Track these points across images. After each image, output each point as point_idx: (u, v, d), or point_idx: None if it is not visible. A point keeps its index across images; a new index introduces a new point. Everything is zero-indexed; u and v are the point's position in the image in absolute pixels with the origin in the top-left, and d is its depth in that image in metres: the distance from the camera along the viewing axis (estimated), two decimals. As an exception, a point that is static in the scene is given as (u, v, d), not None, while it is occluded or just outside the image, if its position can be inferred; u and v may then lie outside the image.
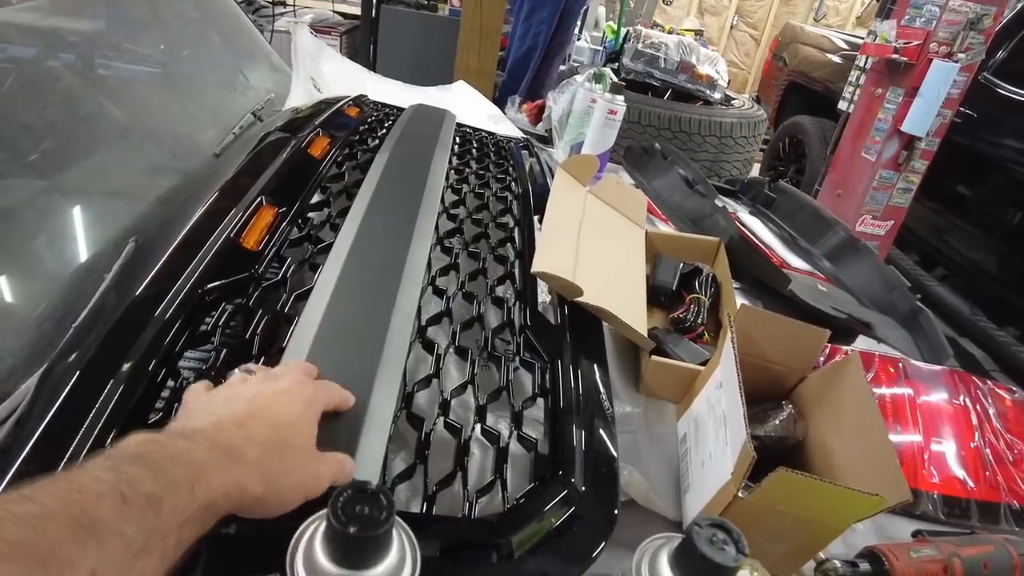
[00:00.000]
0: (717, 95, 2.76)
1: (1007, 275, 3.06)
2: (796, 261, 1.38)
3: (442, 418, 0.61)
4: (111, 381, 0.54)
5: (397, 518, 0.37)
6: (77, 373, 0.54)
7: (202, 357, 0.63)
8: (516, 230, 0.93)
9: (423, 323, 0.70)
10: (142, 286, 0.64)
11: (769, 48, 5.41)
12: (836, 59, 4.06)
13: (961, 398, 0.94)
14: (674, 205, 1.32)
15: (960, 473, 0.86)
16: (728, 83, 3.06)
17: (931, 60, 2.59)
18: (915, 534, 0.80)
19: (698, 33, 5.33)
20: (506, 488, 0.58)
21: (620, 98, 1.52)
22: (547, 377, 0.68)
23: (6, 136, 0.81)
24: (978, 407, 0.93)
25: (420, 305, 0.71)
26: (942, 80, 2.59)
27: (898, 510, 0.83)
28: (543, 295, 0.80)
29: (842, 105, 3.10)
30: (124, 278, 0.69)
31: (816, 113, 4.03)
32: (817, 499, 0.57)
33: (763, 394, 0.78)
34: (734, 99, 3.00)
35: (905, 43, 2.67)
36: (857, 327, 1.06)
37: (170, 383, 0.58)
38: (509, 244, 0.89)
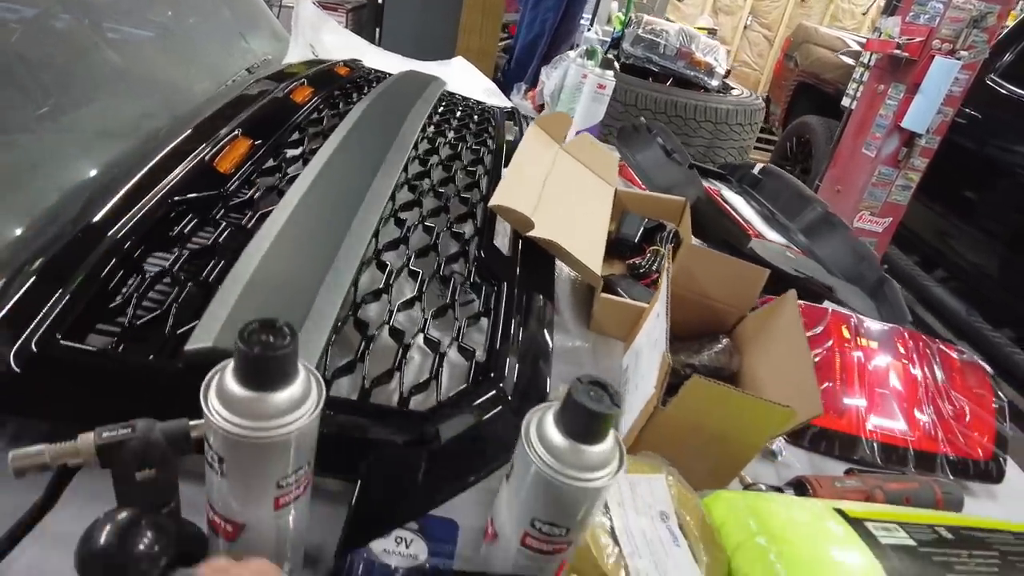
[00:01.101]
0: (714, 82, 2.78)
1: (1008, 278, 3.05)
2: (772, 234, 1.41)
3: (387, 327, 0.66)
4: (77, 268, 0.59)
5: (306, 363, 0.41)
6: (48, 259, 0.59)
7: (166, 258, 0.68)
8: (484, 178, 0.97)
9: (379, 247, 0.74)
10: (117, 195, 0.69)
11: (781, 48, 5.41)
12: (849, 60, 4.06)
13: (909, 354, 0.96)
14: (652, 175, 1.36)
15: (901, 423, 0.89)
16: (728, 72, 3.08)
17: (933, 57, 2.59)
18: (847, 471, 0.83)
19: (711, 32, 5.33)
20: (440, 387, 0.62)
21: (609, 73, 1.56)
22: (492, 300, 0.72)
23: (29, 83, 0.87)
24: (925, 364, 0.96)
25: (379, 231, 0.75)
26: (943, 77, 2.59)
27: (838, 453, 0.86)
28: (501, 233, 0.83)
29: (845, 102, 3.11)
30: (104, 195, 0.73)
31: (825, 114, 4.03)
32: (731, 410, 0.61)
33: (706, 331, 0.81)
34: (733, 88, 3.02)
35: (908, 39, 2.68)
36: (819, 289, 1.09)
37: (134, 278, 0.62)
38: (475, 189, 0.94)
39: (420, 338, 0.66)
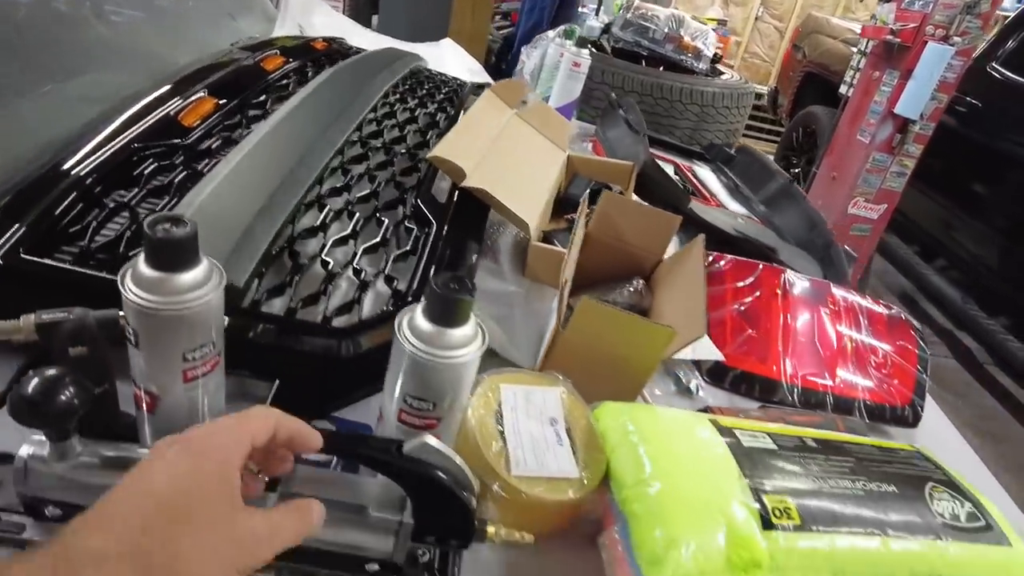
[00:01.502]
0: (702, 65, 2.82)
1: (1007, 268, 3.06)
2: (734, 205, 1.46)
3: (319, 259, 0.73)
4: (43, 199, 0.67)
5: (211, 258, 0.49)
6: (15, 191, 0.67)
7: (127, 195, 0.76)
8: (435, 139, 1.04)
9: (323, 192, 0.82)
10: (85, 142, 0.77)
11: (790, 39, 5.41)
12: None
13: (837, 308, 1.02)
14: (616, 147, 1.42)
15: (822, 370, 0.95)
16: (719, 57, 3.11)
17: (926, 43, 2.61)
18: (760, 407, 0.89)
19: (721, 23, 5.35)
20: (362, 311, 0.69)
21: (585, 52, 1.62)
22: (421, 240, 0.79)
23: (19, 53, 0.96)
24: (851, 317, 1.01)
25: (324, 179, 0.82)
26: (936, 62, 2.61)
27: (758, 396, 0.92)
28: (442, 186, 0.90)
29: (843, 89, 3.13)
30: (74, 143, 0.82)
31: (832, 104, 4.04)
32: (620, 330, 0.67)
33: (626, 275, 0.87)
34: (723, 72, 3.05)
35: (902, 26, 2.70)
36: (764, 250, 1.15)
37: (94, 211, 0.70)
38: (425, 148, 1.01)
39: (350, 270, 0.73)
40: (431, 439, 0.47)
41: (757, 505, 0.54)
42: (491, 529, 0.52)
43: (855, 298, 1.04)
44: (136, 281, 0.46)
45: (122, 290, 0.46)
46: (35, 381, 0.44)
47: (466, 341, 0.50)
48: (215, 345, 0.51)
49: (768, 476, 0.57)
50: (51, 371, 0.45)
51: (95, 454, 0.49)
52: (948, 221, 3.42)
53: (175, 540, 0.33)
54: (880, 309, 1.04)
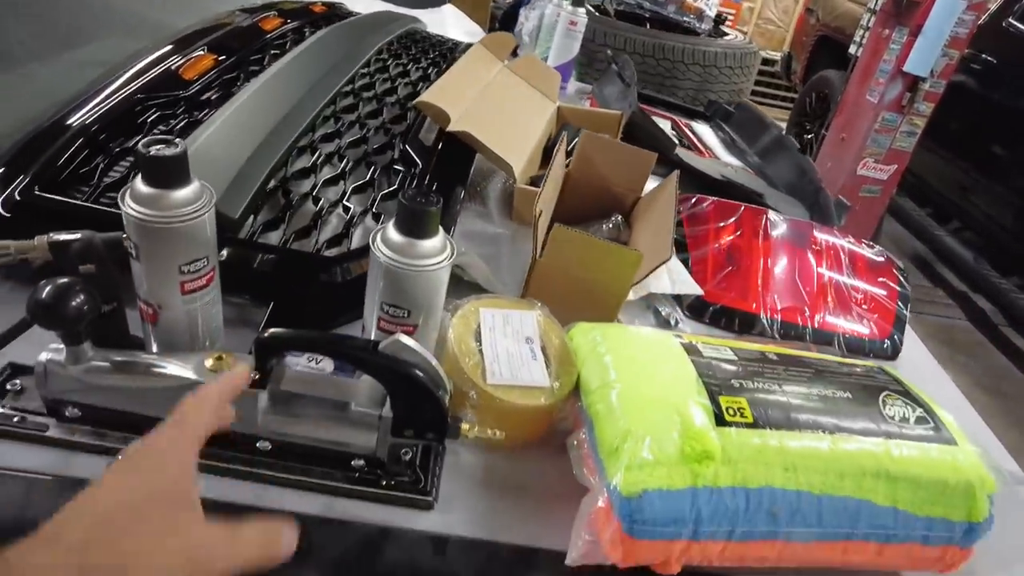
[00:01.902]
0: (704, 26, 2.81)
1: (1022, 227, 3.03)
2: (728, 157, 1.48)
3: (310, 197, 0.78)
4: (53, 145, 0.72)
5: (202, 181, 0.54)
6: (28, 138, 0.73)
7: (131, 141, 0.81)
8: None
9: (315, 137, 0.86)
10: (91, 95, 0.82)
11: (804, 2, 5.31)
12: (871, 12, 3.98)
13: (819, 246, 1.04)
14: (609, 101, 1.44)
15: (802, 305, 0.98)
16: (722, 18, 3.09)
17: (936, -3, 2.57)
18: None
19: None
20: (351, 242, 0.74)
21: (581, 10, 1.64)
22: (407, 181, 0.84)
23: (40, 23, 1.02)
24: (833, 255, 1.04)
25: (316, 126, 0.87)
26: (945, 17, 2.57)
27: (737, 329, 0.95)
28: (428, 132, 0.94)
29: (852, 49, 3.09)
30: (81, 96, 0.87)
31: (846, 68, 3.99)
32: (592, 256, 0.71)
33: (606, 213, 0.91)
34: (726, 33, 3.03)
35: (911, -20, 2.65)
36: (751, 194, 1.18)
37: (102, 156, 0.75)
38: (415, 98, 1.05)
39: (340, 207, 0.78)
40: (404, 337, 0.52)
41: (711, 405, 0.58)
42: (465, 426, 0.57)
43: (838, 239, 1.07)
44: (134, 197, 0.51)
45: (122, 206, 0.51)
46: (48, 287, 0.50)
47: (435, 252, 0.54)
48: (209, 261, 0.56)
49: (725, 381, 0.61)
50: (62, 280, 0.51)
51: (106, 358, 0.54)
52: (962, 182, 3.39)
53: (121, 553, 0.33)
54: (863, 249, 1.07)
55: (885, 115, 2.84)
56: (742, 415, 0.58)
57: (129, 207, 0.51)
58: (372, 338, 0.59)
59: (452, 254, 0.55)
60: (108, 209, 0.68)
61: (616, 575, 0.56)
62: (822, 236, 1.06)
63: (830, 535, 0.58)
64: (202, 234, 0.54)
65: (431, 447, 0.61)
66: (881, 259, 1.07)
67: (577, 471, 0.61)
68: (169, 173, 0.51)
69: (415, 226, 0.53)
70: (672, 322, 0.91)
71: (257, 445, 0.56)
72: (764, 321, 0.95)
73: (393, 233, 0.54)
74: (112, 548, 0.33)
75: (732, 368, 0.64)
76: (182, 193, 0.51)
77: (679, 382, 0.61)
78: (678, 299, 0.94)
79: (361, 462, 0.57)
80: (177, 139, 0.50)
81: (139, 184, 0.51)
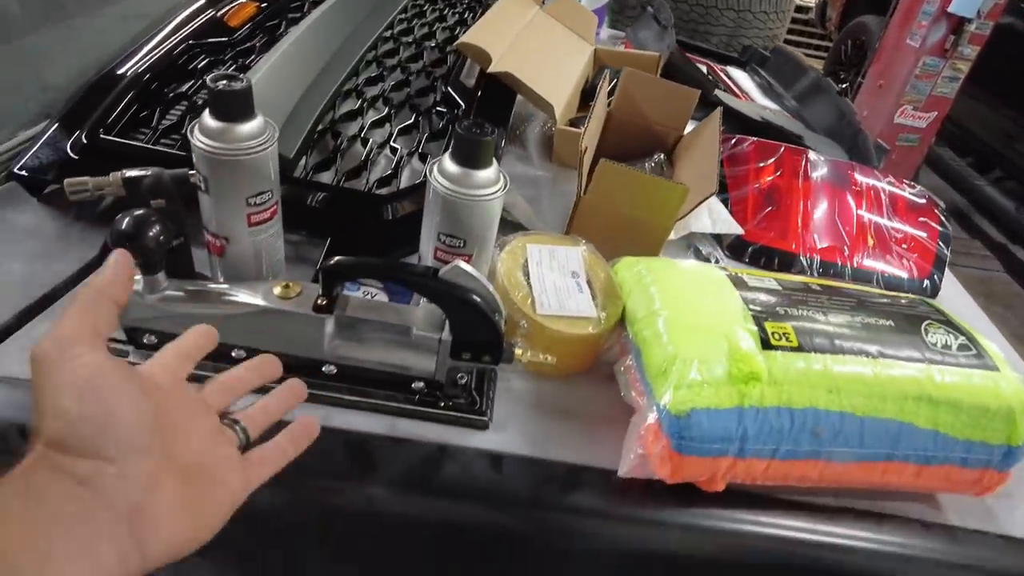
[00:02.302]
0: (738, -30, 2.71)
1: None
2: (765, 101, 1.46)
3: (359, 139, 0.80)
4: (112, 90, 0.75)
5: (264, 116, 0.56)
6: (89, 85, 0.75)
7: (185, 87, 0.83)
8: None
9: (360, 81, 0.88)
10: (141, 44, 0.84)
11: (841, -56, 5.09)
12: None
13: (859, 186, 1.04)
14: (645, 45, 1.42)
15: (840, 243, 0.98)
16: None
17: (985, -69, 2.45)
18: (776, 277, 0.93)
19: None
20: (400, 182, 0.76)
21: (614, -47, 1.61)
22: (451, 123, 0.85)
23: None
24: (873, 195, 1.03)
25: (360, 71, 0.88)
26: (994, -47, 2.46)
27: (776, 269, 0.96)
28: (470, 75, 0.95)
29: (893, -10, 2.98)
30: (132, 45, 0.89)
31: (883, 13, 3.84)
32: (637, 191, 0.72)
33: (648, 152, 0.91)
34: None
35: (959, -86, 2.54)
36: (790, 136, 1.17)
37: (158, 101, 0.78)
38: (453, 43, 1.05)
39: (387, 148, 0.80)
40: (463, 263, 0.54)
41: (758, 330, 0.60)
42: (519, 351, 0.59)
43: (878, 180, 1.06)
44: (203, 131, 0.53)
45: (191, 139, 0.54)
46: (127, 218, 0.52)
47: (489, 182, 0.56)
48: (273, 195, 0.59)
49: (770, 308, 0.63)
50: (140, 211, 0.53)
51: (179, 288, 0.58)
52: (1008, 130, 3.27)
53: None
54: (904, 190, 1.06)
55: (926, 60, 2.75)
56: (787, 340, 0.60)
57: (198, 140, 0.53)
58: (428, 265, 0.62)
59: (506, 185, 0.57)
60: (168, 151, 0.71)
61: (662, 493, 0.59)
62: (862, 177, 1.05)
63: (871, 456, 0.60)
64: (267, 167, 0.56)
65: (485, 372, 0.64)
66: (922, 200, 1.06)
67: (625, 393, 0.63)
68: (236, 107, 0.53)
69: (471, 156, 0.55)
70: (712, 261, 0.92)
71: (323, 369, 0.59)
72: (803, 261, 0.96)
73: (449, 164, 0.56)
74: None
75: (777, 297, 0.65)
76: (248, 127, 0.54)
77: (725, 309, 0.62)
78: (718, 239, 0.95)
79: (421, 385, 0.60)
80: (242, 75, 0.52)
81: (207, 118, 0.53)
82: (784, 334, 0.60)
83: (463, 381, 0.63)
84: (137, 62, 0.81)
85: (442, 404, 0.60)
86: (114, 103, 0.74)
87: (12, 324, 0.61)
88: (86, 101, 0.74)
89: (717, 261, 0.92)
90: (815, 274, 0.95)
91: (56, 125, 0.71)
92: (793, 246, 0.96)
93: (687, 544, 0.59)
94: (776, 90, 1.52)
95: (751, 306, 0.63)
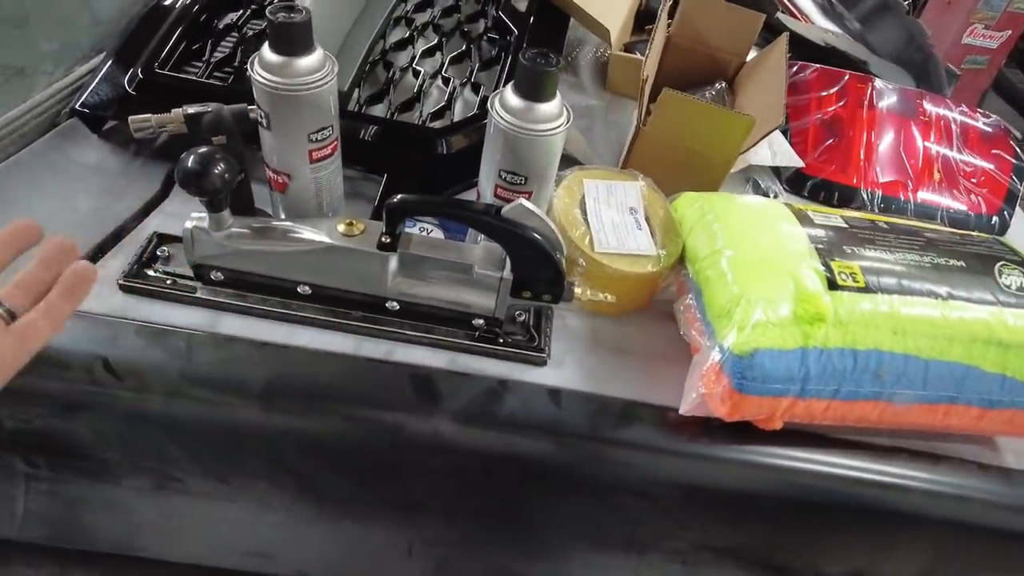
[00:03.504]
0: None
1: None
2: (825, 23, 1.38)
3: (410, 69, 0.78)
4: (160, 27, 0.74)
5: (323, 49, 0.54)
6: (138, 23, 0.74)
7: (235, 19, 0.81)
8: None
9: (408, 7, 0.85)
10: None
11: None
12: None
13: (928, 116, 0.98)
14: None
15: (905, 178, 0.94)
16: None
17: None
18: (836, 213, 0.90)
19: None
20: (453, 115, 0.75)
21: None
22: (503, 50, 0.82)
23: None
24: (943, 125, 0.98)
25: (408, -4, 0.85)
26: None
27: (836, 203, 0.93)
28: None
29: None
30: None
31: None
32: (701, 122, 0.69)
33: (708, 79, 0.87)
34: None
35: None
36: (856, 63, 1.11)
37: (208, 33, 0.77)
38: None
39: (439, 79, 0.78)
40: (526, 202, 0.53)
41: (824, 269, 0.58)
42: (578, 289, 0.59)
43: (950, 110, 1.00)
44: (264, 66, 0.53)
45: (252, 74, 0.53)
46: (192, 156, 0.53)
47: (553, 116, 0.55)
48: (333, 130, 0.58)
49: (836, 246, 0.61)
50: (205, 148, 0.54)
51: (245, 225, 0.58)
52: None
53: None
54: (977, 120, 1.00)
55: (1003, -28, 2.53)
56: (854, 280, 0.59)
57: (259, 75, 0.52)
58: (487, 202, 0.61)
59: (569, 119, 0.56)
60: (222, 84, 0.70)
61: (717, 430, 0.59)
62: (932, 107, 0.99)
63: (933, 398, 0.59)
64: (327, 102, 0.55)
65: (542, 310, 0.64)
66: (996, 130, 1.00)
67: (684, 332, 0.63)
68: (296, 39, 0.52)
69: (534, 89, 0.53)
70: (771, 195, 0.89)
71: (386, 305, 0.60)
72: (864, 195, 0.92)
73: (512, 97, 0.54)
74: None
75: (843, 235, 0.63)
76: (308, 60, 0.53)
77: (790, 247, 0.61)
78: (776, 172, 0.92)
79: (481, 321, 0.61)
80: (299, 4, 0.51)
81: (267, 52, 0.52)
82: (851, 274, 0.59)
83: (521, 319, 0.63)
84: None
85: (501, 341, 0.61)
86: (166, 36, 0.73)
87: (87, 260, 0.63)
88: (138, 35, 0.73)
89: (776, 196, 0.90)
90: (876, 209, 0.92)
91: (111, 61, 0.71)
92: (855, 180, 0.93)
93: (741, 480, 0.60)
94: (837, 10, 1.42)
95: (817, 244, 0.61)
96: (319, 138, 0.56)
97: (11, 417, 0.58)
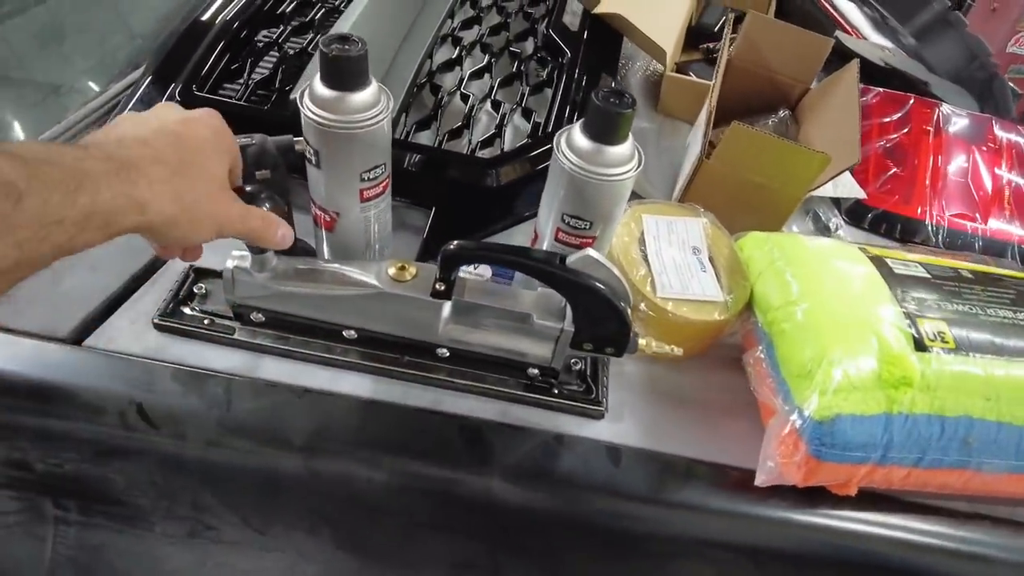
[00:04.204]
0: None
1: None
2: (878, 38, 1.32)
3: (458, 92, 0.74)
4: (199, 44, 0.71)
5: (378, 82, 0.51)
6: (177, 39, 0.71)
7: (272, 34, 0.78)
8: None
9: (455, 25, 0.81)
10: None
11: None
12: None
13: (998, 145, 0.93)
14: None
15: (973, 211, 0.89)
16: None
17: None
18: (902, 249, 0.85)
19: None
20: (504, 143, 0.71)
21: None
22: (556, 72, 0.78)
23: None
24: (1014, 153, 0.93)
25: (454, 11, 0.81)
26: None
27: (899, 237, 0.88)
28: (572, 16, 0.87)
29: None
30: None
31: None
32: (770, 157, 0.65)
33: (769, 106, 0.83)
34: None
35: None
36: (916, 83, 1.05)
37: (247, 49, 0.73)
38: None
39: (488, 103, 0.74)
40: (593, 252, 0.49)
41: (910, 327, 0.54)
42: (643, 341, 0.55)
43: (1021, 136, 0.95)
44: (315, 101, 0.49)
45: (302, 109, 0.49)
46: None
47: (624, 160, 0.51)
48: (386, 168, 0.54)
49: (921, 301, 0.57)
50: (247, 188, 0.50)
51: (288, 265, 0.55)
52: None
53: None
54: (1049, 145, 0.95)
55: (1051, -21, 2.44)
56: (943, 339, 0.54)
57: (310, 111, 0.49)
58: (546, 248, 0.57)
59: (641, 162, 0.51)
60: (264, 108, 0.67)
61: (788, 492, 0.55)
62: (1002, 132, 0.94)
63: (1026, 468, 0.54)
64: (382, 140, 0.52)
65: (599, 358, 0.60)
66: (1071, 157, 0.95)
67: (755, 387, 0.59)
68: (352, 74, 0.48)
69: (606, 131, 0.49)
70: (832, 227, 0.84)
71: (436, 351, 0.56)
72: (929, 228, 0.87)
73: (580, 137, 0.50)
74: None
75: (927, 286, 0.59)
76: (363, 96, 0.49)
77: (871, 301, 0.56)
78: (836, 203, 0.87)
79: (535, 371, 0.57)
80: (356, 36, 0.47)
81: (318, 86, 0.49)
82: (939, 333, 0.54)
83: (577, 367, 0.59)
84: (223, 6, 0.76)
85: (556, 392, 0.57)
86: (205, 55, 0.70)
87: (121, 293, 0.60)
88: (176, 53, 0.70)
89: (837, 228, 0.85)
90: (941, 244, 0.87)
91: (149, 80, 0.68)
92: (919, 211, 0.88)
93: (809, 544, 0.56)
94: (890, 24, 1.36)
95: (900, 297, 0.57)
96: (371, 176, 0.53)
97: (42, 460, 0.56)
